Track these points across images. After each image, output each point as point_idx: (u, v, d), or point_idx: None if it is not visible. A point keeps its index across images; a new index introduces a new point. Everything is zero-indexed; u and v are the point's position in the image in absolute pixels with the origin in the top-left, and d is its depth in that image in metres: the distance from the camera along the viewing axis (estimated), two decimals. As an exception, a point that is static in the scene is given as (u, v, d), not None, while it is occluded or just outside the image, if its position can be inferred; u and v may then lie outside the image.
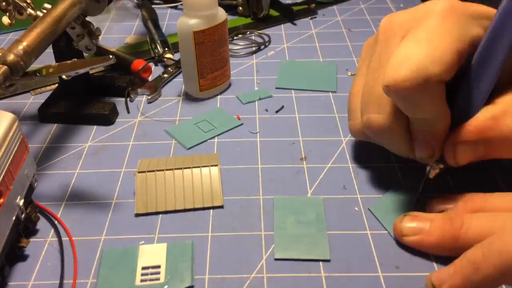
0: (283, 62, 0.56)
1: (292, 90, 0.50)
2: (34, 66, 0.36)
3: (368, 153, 0.42)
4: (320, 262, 0.33)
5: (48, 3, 0.41)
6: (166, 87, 0.52)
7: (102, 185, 0.39)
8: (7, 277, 0.32)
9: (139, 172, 0.38)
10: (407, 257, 0.33)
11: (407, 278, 0.31)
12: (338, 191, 0.38)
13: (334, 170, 0.40)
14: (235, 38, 0.61)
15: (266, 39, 0.60)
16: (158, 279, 0.32)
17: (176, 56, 0.55)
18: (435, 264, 0.32)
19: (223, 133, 0.45)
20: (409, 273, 0.32)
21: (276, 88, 0.51)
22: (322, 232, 0.34)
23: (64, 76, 0.43)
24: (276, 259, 0.33)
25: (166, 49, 0.56)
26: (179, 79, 0.53)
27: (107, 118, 0.46)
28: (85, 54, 0.45)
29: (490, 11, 0.32)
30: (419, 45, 0.30)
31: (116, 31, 0.65)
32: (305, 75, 0.53)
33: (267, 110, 0.48)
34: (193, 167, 0.39)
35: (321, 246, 0.33)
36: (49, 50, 0.41)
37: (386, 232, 0.35)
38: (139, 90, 0.50)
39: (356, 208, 0.37)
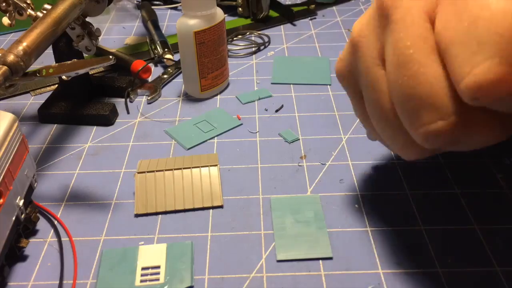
0: (276, 58, 0.56)
1: (292, 89, 0.51)
2: (34, 66, 0.36)
3: (368, 151, 0.42)
4: (320, 261, 0.32)
5: (48, 3, 0.41)
6: (165, 87, 0.52)
7: (101, 185, 0.39)
8: (7, 277, 0.32)
9: (138, 173, 0.38)
10: (407, 254, 0.33)
11: (408, 274, 0.31)
12: (338, 189, 0.38)
13: (334, 167, 0.40)
14: (234, 38, 0.61)
15: (266, 39, 0.61)
16: (158, 279, 0.32)
17: (176, 57, 0.55)
18: (435, 260, 0.32)
19: (222, 133, 0.45)
20: (410, 269, 0.32)
21: (272, 83, 0.52)
22: (322, 230, 0.34)
23: (64, 77, 0.43)
24: (278, 261, 0.33)
25: (166, 49, 0.56)
26: (179, 79, 0.53)
27: (107, 119, 0.46)
28: (85, 55, 0.46)
29: None
30: None
31: (116, 32, 0.65)
32: (299, 70, 0.54)
33: (266, 110, 0.48)
34: (193, 167, 0.39)
35: (322, 244, 0.33)
36: (49, 50, 0.41)
37: (387, 228, 0.34)
38: (139, 90, 0.51)
39: (356, 205, 0.37)
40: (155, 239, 0.35)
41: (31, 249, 0.34)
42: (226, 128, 0.45)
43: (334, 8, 0.69)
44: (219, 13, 0.47)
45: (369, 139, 0.36)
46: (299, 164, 0.41)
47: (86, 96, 0.48)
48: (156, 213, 0.37)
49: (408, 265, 0.32)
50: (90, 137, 0.45)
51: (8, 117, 0.32)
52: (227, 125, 0.46)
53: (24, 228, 0.34)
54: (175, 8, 0.71)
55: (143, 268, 0.32)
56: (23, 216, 0.33)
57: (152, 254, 0.33)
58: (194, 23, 0.45)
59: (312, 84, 0.51)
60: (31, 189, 0.34)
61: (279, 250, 0.33)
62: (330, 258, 0.33)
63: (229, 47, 0.59)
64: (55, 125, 0.47)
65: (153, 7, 0.69)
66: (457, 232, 0.34)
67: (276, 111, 0.48)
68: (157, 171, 0.38)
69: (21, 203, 0.32)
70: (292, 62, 0.55)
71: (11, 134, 0.31)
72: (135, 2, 0.72)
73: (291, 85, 0.52)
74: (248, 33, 0.62)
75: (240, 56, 0.58)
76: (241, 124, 0.46)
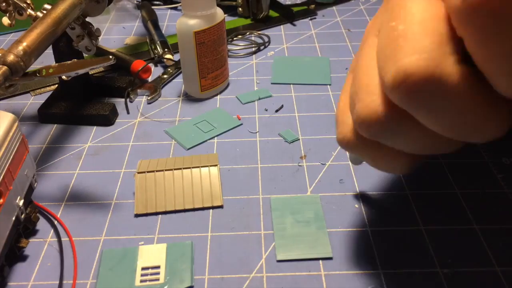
0: (276, 58, 0.56)
1: (292, 89, 0.51)
2: (34, 66, 0.36)
3: (368, 153, 0.42)
4: (320, 261, 0.33)
5: (48, 3, 0.41)
6: (165, 87, 0.52)
7: (101, 185, 0.39)
8: (7, 277, 0.32)
9: (138, 173, 0.38)
10: (407, 254, 0.33)
11: (407, 275, 0.31)
12: (338, 189, 0.38)
13: (334, 167, 0.40)
14: (234, 38, 0.61)
15: (266, 39, 0.61)
16: (157, 279, 0.32)
17: (176, 57, 0.55)
18: (435, 261, 0.32)
19: (222, 133, 0.45)
20: (410, 269, 0.32)
21: (272, 83, 0.52)
22: (322, 230, 0.34)
23: (64, 77, 0.43)
24: (278, 261, 0.33)
25: (166, 49, 0.56)
26: (179, 79, 0.53)
27: (107, 119, 0.46)
28: (85, 55, 0.46)
29: None
30: None
31: (116, 32, 0.65)
32: (299, 70, 0.54)
33: (266, 110, 0.48)
34: (193, 167, 0.39)
35: (322, 244, 0.33)
36: (49, 50, 0.41)
37: (387, 228, 0.34)
38: (138, 90, 0.51)
39: (356, 206, 0.37)
40: (155, 239, 0.35)
41: (31, 249, 0.34)
42: (226, 128, 0.45)
43: (334, 8, 0.69)
44: (219, 13, 0.47)
45: (351, 161, 0.34)
46: (299, 164, 0.41)
47: (86, 96, 0.48)
48: (156, 213, 0.37)
49: (408, 265, 0.32)
50: (90, 137, 0.45)
51: (8, 117, 0.32)
52: (227, 125, 0.46)
53: (24, 228, 0.34)
54: (175, 8, 0.71)
55: (143, 268, 0.32)
56: (23, 216, 0.33)
57: (152, 254, 0.33)
58: (194, 23, 0.45)
59: (312, 84, 0.51)
60: (31, 189, 0.34)
61: (279, 250, 0.33)
62: (330, 258, 0.33)
63: (229, 47, 0.59)
64: (55, 125, 0.47)
65: (153, 7, 0.69)
66: (457, 232, 0.34)
67: (276, 111, 0.48)
68: (157, 171, 0.38)
69: (21, 203, 0.32)
70: (292, 62, 0.55)
71: (11, 134, 0.31)
72: (135, 2, 0.72)
73: (291, 85, 0.52)
74: (248, 33, 0.62)
75: (240, 56, 0.58)
76: (241, 124, 0.46)
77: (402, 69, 0.20)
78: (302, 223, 0.35)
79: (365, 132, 0.24)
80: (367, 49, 0.25)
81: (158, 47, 0.57)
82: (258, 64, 0.56)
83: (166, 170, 0.38)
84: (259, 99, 0.49)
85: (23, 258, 0.34)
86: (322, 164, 0.41)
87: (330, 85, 0.51)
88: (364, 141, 0.25)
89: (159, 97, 0.50)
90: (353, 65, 0.27)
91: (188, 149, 0.43)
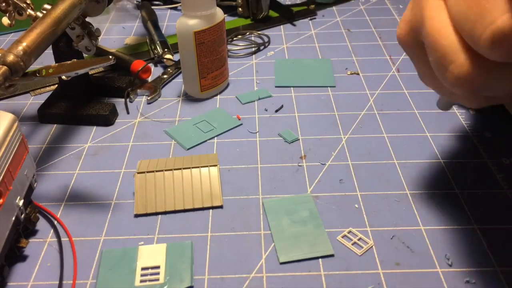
0: (277, 60, 0.56)
1: (292, 90, 0.51)
2: (34, 66, 0.36)
3: (368, 151, 0.42)
4: (320, 260, 0.32)
5: (48, 3, 0.41)
6: (165, 87, 0.52)
7: (101, 185, 0.39)
8: (7, 277, 0.32)
9: (138, 173, 0.38)
10: (407, 254, 0.33)
11: (407, 275, 0.31)
12: (338, 189, 0.38)
13: (334, 167, 0.40)
14: (234, 38, 0.61)
15: (266, 39, 0.61)
16: (157, 279, 0.32)
17: (176, 57, 0.55)
18: (435, 261, 0.32)
19: (222, 133, 0.45)
20: (409, 269, 0.32)
21: (276, 86, 0.51)
22: (320, 228, 0.34)
23: (63, 77, 0.43)
24: (282, 263, 0.32)
25: (166, 50, 0.56)
26: (179, 79, 0.53)
27: (107, 119, 0.46)
28: (85, 55, 0.46)
29: None
30: None
31: (116, 32, 0.65)
32: (303, 72, 0.54)
33: (266, 110, 0.48)
34: (193, 168, 0.39)
35: (322, 242, 0.33)
36: (49, 50, 0.41)
37: (386, 228, 0.34)
38: (138, 90, 0.51)
39: (356, 205, 0.37)
40: (155, 239, 0.35)
41: (31, 249, 0.34)
42: (226, 128, 0.45)
43: (334, 8, 0.69)
44: (219, 13, 0.47)
45: (440, 108, 0.33)
46: (299, 164, 0.41)
47: (86, 96, 0.48)
48: (156, 213, 0.37)
49: (408, 265, 0.32)
50: (90, 137, 0.45)
51: (8, 117, 0.32)
52: (227, 125, 0.46)
53: (24, 228, 0.34)
54: (175, 8, 0.71)
55: (143, 268, 0.32)
56: (23, 216, 0.33)
57: (152, 254, 0.33)
58: (194, 23, 0.45)
59: (316, 87, 0.51)
60: (31, 189, 0.34)
61: (280, 252, 0.33)
62: (332, 256, 0.33)
63: (229, 47, 0.59)
64: (55, 125, 0.47)
65: (153, 7, 0.69)
66: (457, 232, 0.34)
67: (276, 111, 0.48)
68: (157, 171, 0.38)
69: (21, 203, 0.32)
70: (294, 65, 0.55)
71: (11, 134, 0.31)
72: (135, 2, 0.72)
73: (291, 86, 0.51)
74: (248, 33, 0.62)
75: (240, 56, 0.58)
76: (241, 124, 0.46)
77: (499, 29, 0.21)
78: (298, 223, 0.35)
79: (467, 86, 0.25)
80: (433, 12, 0.26)
81: (158, 47, 0.57)
82: (258, 64, 0.56)
83: (166, 170, 0.38)
84: (259, 99, 0.49)
85: (23, 258, 0.34)
86: (322, 164, 0.41)
87: (334, 87, 0.51)
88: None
89: (159, 97, 0.50)
90: (415, 24, 0.28)
91: (188, 149, 0.43)
